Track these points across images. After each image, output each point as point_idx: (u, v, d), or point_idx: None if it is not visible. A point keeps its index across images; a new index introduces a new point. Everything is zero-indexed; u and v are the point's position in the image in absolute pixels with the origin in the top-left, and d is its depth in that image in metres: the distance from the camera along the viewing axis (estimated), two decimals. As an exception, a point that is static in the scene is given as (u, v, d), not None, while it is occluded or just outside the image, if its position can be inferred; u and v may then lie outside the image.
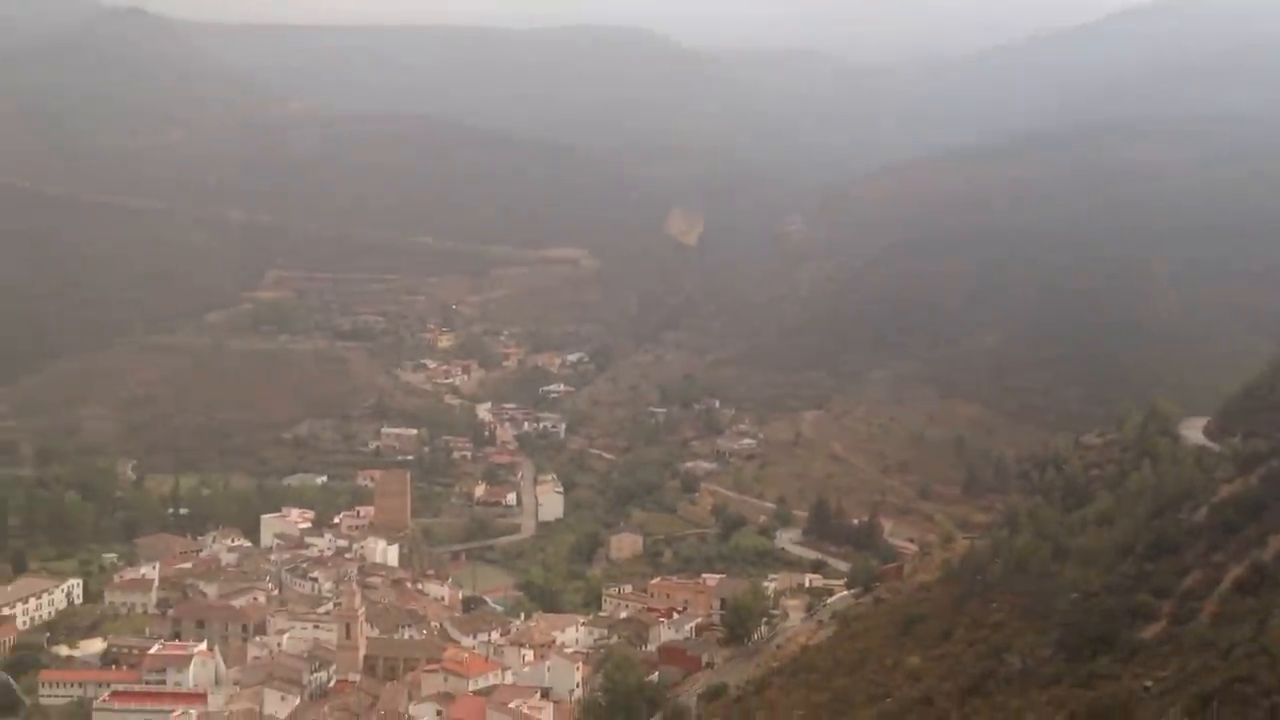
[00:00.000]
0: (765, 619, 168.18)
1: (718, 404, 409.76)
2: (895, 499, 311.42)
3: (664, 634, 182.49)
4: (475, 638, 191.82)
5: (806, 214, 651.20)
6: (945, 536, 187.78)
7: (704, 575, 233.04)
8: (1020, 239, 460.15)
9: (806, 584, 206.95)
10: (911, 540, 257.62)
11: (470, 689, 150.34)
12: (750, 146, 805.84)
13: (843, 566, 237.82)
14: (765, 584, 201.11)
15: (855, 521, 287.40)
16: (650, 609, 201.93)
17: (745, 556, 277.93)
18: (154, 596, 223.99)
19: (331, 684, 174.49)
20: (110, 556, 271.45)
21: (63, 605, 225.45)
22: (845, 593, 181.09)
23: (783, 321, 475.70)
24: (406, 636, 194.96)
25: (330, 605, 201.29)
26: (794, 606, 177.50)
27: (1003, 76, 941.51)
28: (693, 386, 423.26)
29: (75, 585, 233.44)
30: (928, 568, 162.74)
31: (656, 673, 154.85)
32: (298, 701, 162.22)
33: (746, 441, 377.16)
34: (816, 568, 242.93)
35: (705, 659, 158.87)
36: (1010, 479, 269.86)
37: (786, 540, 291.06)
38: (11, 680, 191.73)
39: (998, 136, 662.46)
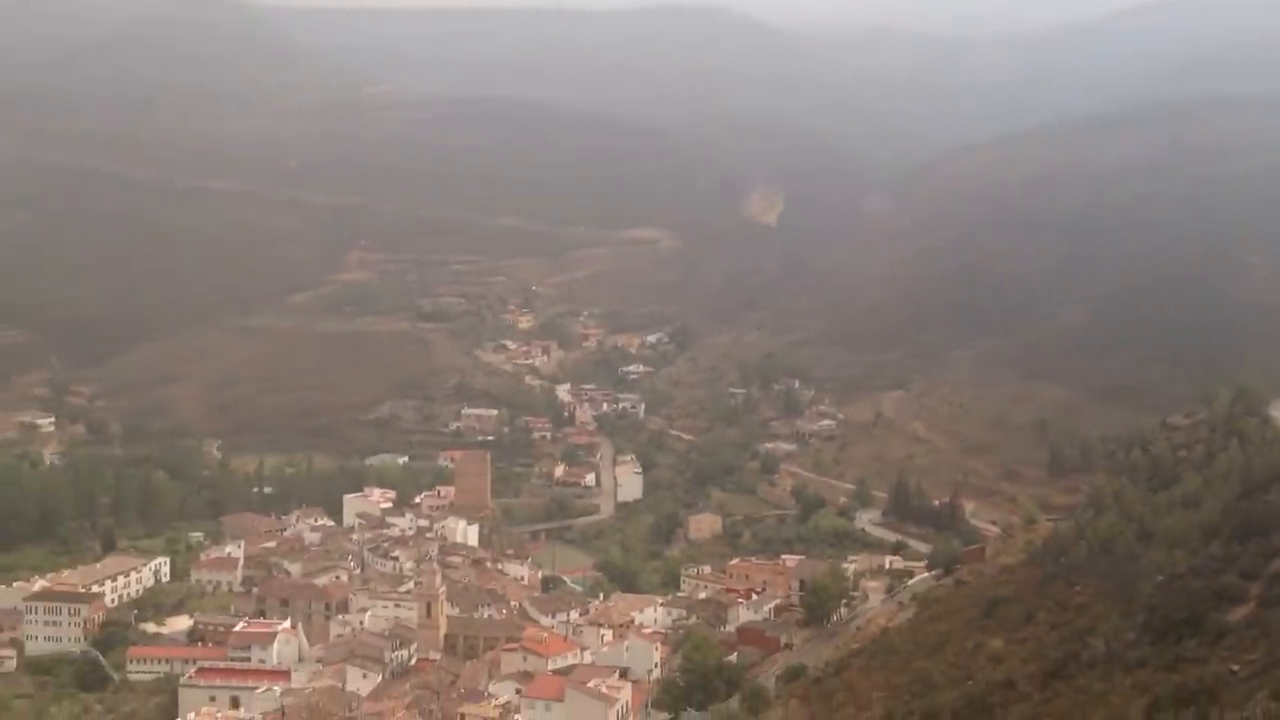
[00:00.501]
0: (845, 600, 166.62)
1: (797, 384, 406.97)
2: (977, 480, 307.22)
3: (743, 615, 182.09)
4: (554, 617, 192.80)
5: (888, 192, 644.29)
6: (1028, 518, 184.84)
7: (783, 556, 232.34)
8: (1106, 216, 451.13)
9: (886, 565, 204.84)
10: (993, 522, 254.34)
11: (549, 668, 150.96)
12: (831, 124, 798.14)
13: (923, 548, 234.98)
14: (845, 565, 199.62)
15: (936, 503, 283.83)
16: (729, 590, 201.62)
17: (824, 538, 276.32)
18: (239, 575, 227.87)
19: (412, 662, 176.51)
20: (196, 535, 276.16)
21: (150, 583, 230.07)
22: (926, 574, 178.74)
23: (864, 301, 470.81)
24: (486, 616, 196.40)
25: (411, 584, 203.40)
26: (874, 588, 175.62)
27: (1086, 50, 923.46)
28: (772, 367, 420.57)
29: (162, 563, 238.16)
30: (1010, 550, 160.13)
31: (735, 653, 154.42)
32: (379, 679, 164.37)
33: (826, 422, 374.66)
34: (896, 549, 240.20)
35: (784, 640, 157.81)
36: (1095, 460, 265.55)
37: (866, 521, 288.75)
38: (100, 656, 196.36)
39: (1085, 112, 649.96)
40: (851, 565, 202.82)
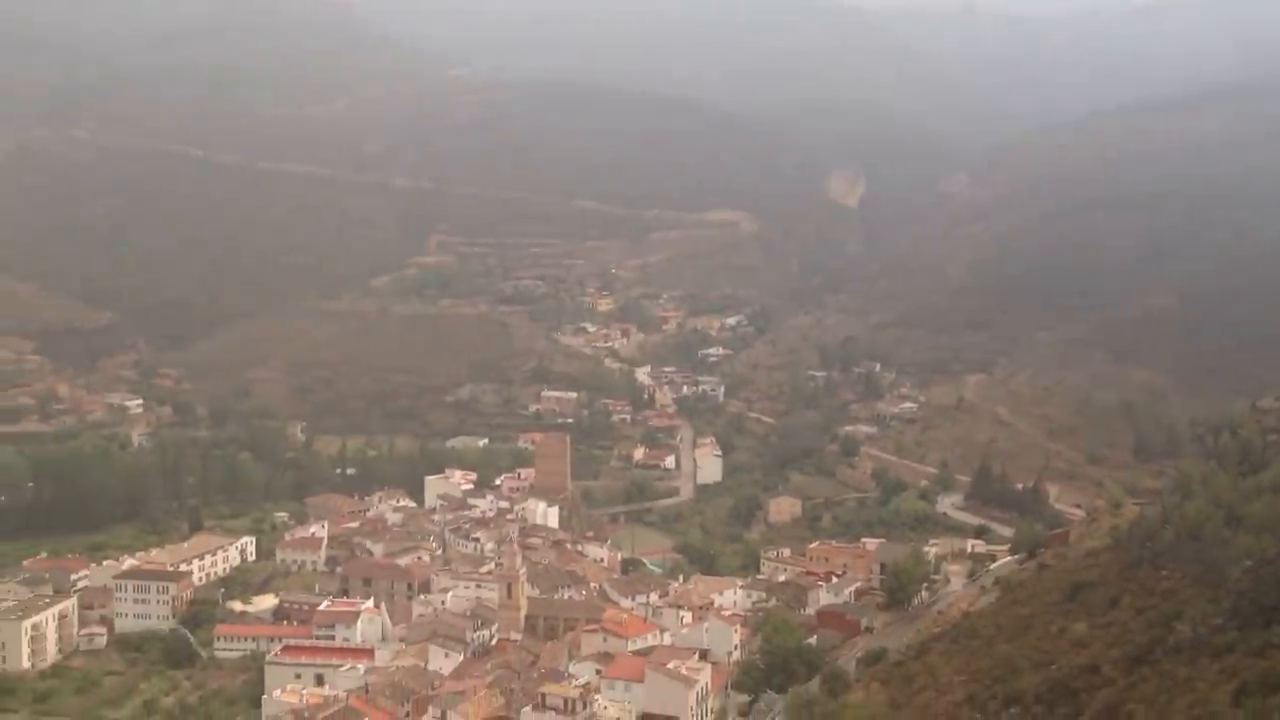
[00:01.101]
0: (926, 584, 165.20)
1: (878, 367, 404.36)
2: (1061, 464, 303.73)
3: (823, 598, 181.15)
4: (634, 599, 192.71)
5: (971, 173, 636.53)
6: (1113, 502, 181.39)
7: (863, 539, 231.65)
8: (1194, 196, 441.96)
9: (969, 549, 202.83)
10: (1078, 506, 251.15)
11: (629, 649, 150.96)
12: (913, 104, 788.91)
13: (1006, 532, 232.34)
14: (926, 549, 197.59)
15: (1019, 487, 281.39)
16: (809, 572, 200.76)
17: (905, 521, 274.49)
18: (323, 555, 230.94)
19: (493, 642, 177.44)
20: (281, 515, 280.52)
21: (237, 562, 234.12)
22: (1009, 558, 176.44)
23: (946, 283, 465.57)
24: (566, 597, 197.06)
25: (492, 565, 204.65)
26: (955, 572, 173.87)
27: (1178, 26, 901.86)
28: (853, 349, 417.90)
29: (248, 543, 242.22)
30: (1095, 534, 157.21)
31: (815, 636, 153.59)
32: (461, 659, 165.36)
33: (907, 405, 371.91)
34: (979, 533, 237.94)
35: (864, 623, 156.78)
36: (1182, 444, 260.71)
37: (948, 505, 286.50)
38: (189, 634, 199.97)
39: (1172, 89, 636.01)
40: (933, 549, 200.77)
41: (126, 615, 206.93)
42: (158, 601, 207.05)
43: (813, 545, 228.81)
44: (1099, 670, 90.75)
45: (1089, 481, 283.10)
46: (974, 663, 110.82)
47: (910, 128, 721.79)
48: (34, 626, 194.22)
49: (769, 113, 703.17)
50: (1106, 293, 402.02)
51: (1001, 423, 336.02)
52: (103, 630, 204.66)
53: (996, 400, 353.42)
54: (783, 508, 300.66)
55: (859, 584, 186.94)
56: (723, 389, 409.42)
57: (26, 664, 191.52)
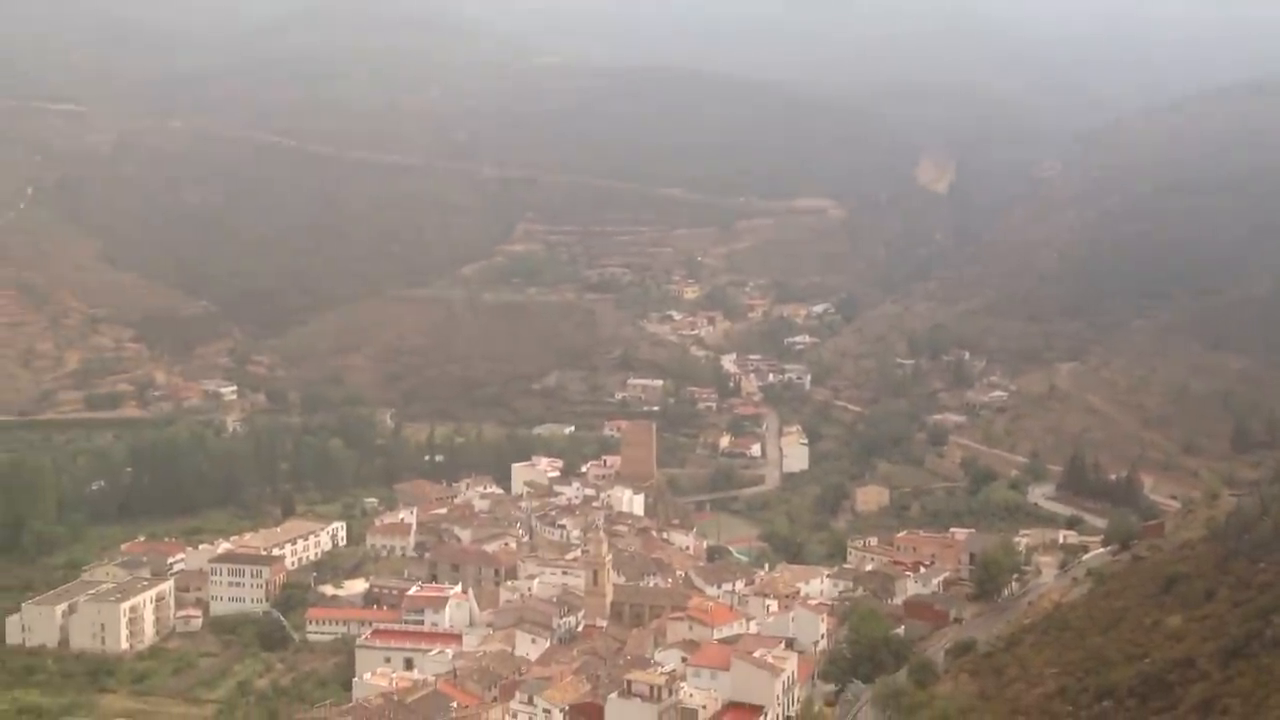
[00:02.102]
0: (1016, 575, 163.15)
1: (968, 355, 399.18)
2: (1156, 454, 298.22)
3: (910, 588, 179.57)
4: (719, 587, 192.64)
5: (1065, 156, 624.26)
6: (1210, 493, 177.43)
7: (952, 529, 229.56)
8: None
9: (1060, 540, 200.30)
10: (1173, 497, 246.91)
11: (715, 637, 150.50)
12: (1008, 85, 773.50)
13: (1099, 523, 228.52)
14: (1017, 539, 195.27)
15: (1113, 477, 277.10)
16: (896, 562, 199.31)
17: (995, 511, 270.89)
18: (412, 540, 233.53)
19: (579, 629, 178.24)
20: (371, 501, 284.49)
21: (328, 547, 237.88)
22: (1101, 550, 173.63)
23: (1038, 269, 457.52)
24: (652, 584, 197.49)
25: (578, 552, 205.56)
26: (1046, 563, 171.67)
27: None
28: (942, 337, 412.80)
29: (339, 528, 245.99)
30: (1190, 525, 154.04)
31: (902, 626, 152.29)
32: (547, 645, 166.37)
33: (997, 393, 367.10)
34: (1071, 524, 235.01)
35: (953, 614, 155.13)
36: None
37: (1039, 495, 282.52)
38: (281, 616, 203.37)
39: (1273, 70, 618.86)
40: (1024, 539, 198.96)
41: (221, 598, 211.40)
42: (251, 585, 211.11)
43: (900, 535, 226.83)
44: (1194, 664, 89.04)
45: (1184, 472, 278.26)
46: (1065, 655, 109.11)
47: (1003, 111, 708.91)
48: (132, 609, 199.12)
49: (858, 97, 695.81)
50: (1204, 279, 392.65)
51: (1094, 412, 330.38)
52: (198, 613, 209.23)
53: (1089, 389, 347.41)
54: (870, 497, 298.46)
55: (947, 574, 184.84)
56: (809, 377, 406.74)
57: (125, 645, 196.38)
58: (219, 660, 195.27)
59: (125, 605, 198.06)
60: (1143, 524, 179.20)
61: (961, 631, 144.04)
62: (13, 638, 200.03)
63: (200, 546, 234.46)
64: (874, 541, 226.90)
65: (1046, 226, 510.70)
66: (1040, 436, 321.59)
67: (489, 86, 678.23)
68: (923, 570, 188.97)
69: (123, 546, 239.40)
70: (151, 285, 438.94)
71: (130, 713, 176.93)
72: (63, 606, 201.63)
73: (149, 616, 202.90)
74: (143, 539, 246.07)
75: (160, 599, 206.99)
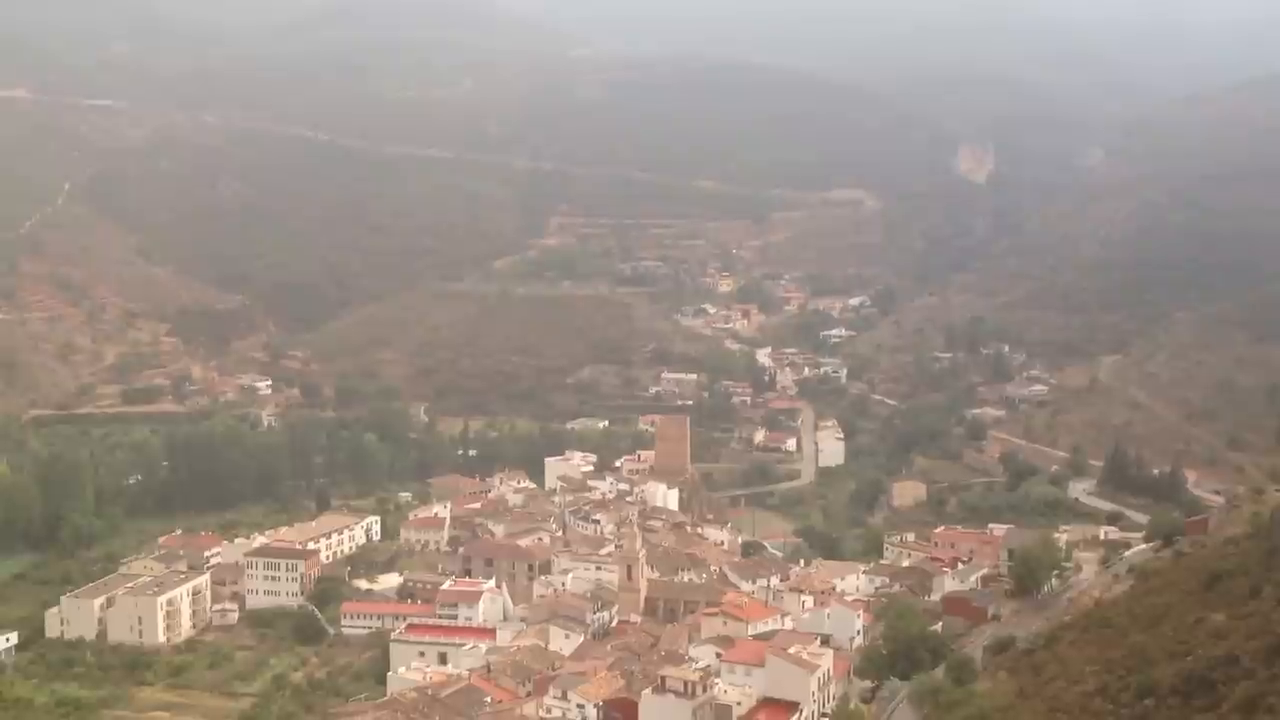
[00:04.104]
0: (1056, 572, 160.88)
1: (1007, 349, 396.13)
2: (1200, 448, 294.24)
3: (948, 584, 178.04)
4: (754, 582, 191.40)
5: (1109, 147, 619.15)
6: (1256, 488, 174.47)
7: (990, 525, 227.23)
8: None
9: (1102, 536, 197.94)
10: (1218, 492, 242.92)
11: (750, 633, 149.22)
12: (1046, 74, 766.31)
13: (1141, 519, 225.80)
14: (1057, 535, 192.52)
15: (1156, 472, 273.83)
16: (934, 558, 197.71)
17: (1035, 507, 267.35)
18: (446, 535, 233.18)
19: (613, 624, 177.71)
20: (405, 495, 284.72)
21: (362, 541, 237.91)
22: (1144, 546, 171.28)
23: (1079, 261, 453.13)
24: (686, 580, 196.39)
25: (612, 547, 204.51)
26: (1087, 559, 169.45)
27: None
28: (980, 330, 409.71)
29: (373, 522, 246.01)
30: (1235, 521, 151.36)
31: (940, 623, 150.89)
32: (581, 640, 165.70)
33: (1038, 387, 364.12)
34: (1113, 520, 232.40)
35: (991, 611, 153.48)
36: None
37: (1080, 491, 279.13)
38: (316, 610, 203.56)
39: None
40: (1064, 535, 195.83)
41: (257, 592, 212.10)
42: (287, 579, 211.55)
43: (938, 530, 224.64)
44: (1238, 662, 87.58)
45: (1229, 467, 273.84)
46: (1106, 653, 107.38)
47: (1043, 100, 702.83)
48: (169, 602, 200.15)
49: (895, 86, 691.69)
50: (1250, 269, 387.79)
51: (1137, 406, 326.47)
52: (234, 606, 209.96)
53: (1132, 382, 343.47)
54: (907, 492, 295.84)
55: (986, 570, 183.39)
56: (845, 371, 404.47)
57: (162, 638, 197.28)
58: (255, 654, 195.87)
59: (162, 599, 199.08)
60: (1186, 520, 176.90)
61: (1000, 629, 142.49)
62: (51, 630, 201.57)
63: (236, 540, 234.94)
64: (911, 537, 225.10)
65: (1088, 217, 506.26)
66: (1081, 431, 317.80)
67: (522, 79, 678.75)
68: (961, 566, 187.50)
69: (160, 540, 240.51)
70: (187, 280, 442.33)
71: (167, 705, 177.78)
72: (101, 600, 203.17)
73: (186, 610, 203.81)
74: (179, 533, 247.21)
75: (197, 592, 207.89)
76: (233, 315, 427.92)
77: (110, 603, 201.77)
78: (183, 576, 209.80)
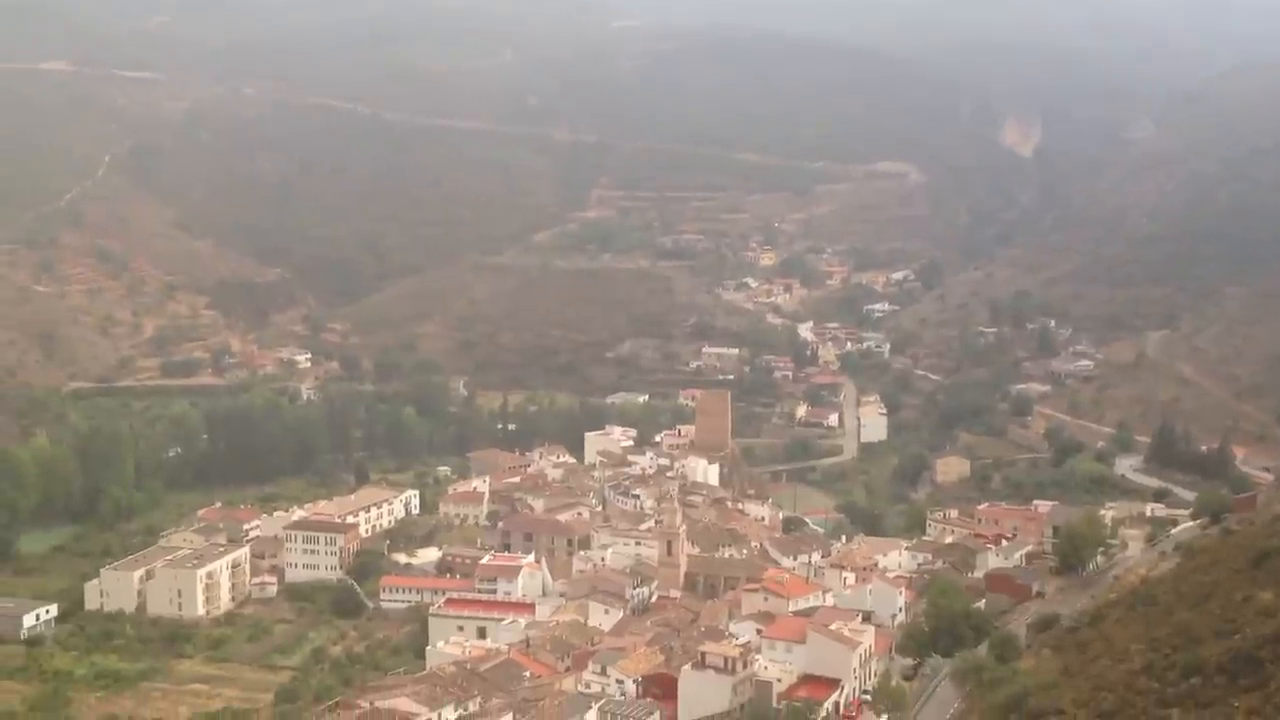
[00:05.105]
0: (1101, 549, 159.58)
1: (1053, 323, 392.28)
2: (1249, 425, 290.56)
3: (991, 561, 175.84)
4: (795, 559, 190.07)
5: (1157, 118, 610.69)
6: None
7: (1035, 502, 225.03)
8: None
9: (1148, 513, 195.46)
10: (1266, 469, 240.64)
11: (790, 609, 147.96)
12: (1094, 45, 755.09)
13: (1188, 496, 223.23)
14: (1102, 512, 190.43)
15: (1203, 448, 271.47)
16: (977, 535, 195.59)
17: (1080, 483, 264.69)
18: (485, 509, 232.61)
19: (653, 600, 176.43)
20: (444, 469, 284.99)
21: (401, 515, 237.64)
22: (1191, 523, 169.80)
23: (1127, 234, 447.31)
24: (726, 555, 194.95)
25: (652, 522, 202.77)
26: (1133, 536, 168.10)
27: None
28: (1026, 305, 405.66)
29: (412, 496, 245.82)
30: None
31: (983, 600, 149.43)
32: (620, 615, 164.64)
33: (1084, 363, 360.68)
34: (1159, 497, 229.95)
35: (1035, 588, 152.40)
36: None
37: (1126, 467, 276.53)
38: (355, 584, 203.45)
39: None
40: (1110, 512, 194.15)
41: (296, 565, 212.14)
42: (326, 552, 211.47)
43: (982, 507, 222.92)
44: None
45: (1278, 443, 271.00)
46: (1152, 631, 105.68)
47: (1091, 71, 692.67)
48: (208, 575, 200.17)
49: (940, 58, 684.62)
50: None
51: (1185, 381, 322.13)
52: (273, 579, 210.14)
53: (1180, 357, 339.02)
54: (950, 468, 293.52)
55: (1030, 548, 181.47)
56: (888, 346, 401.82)
57: (201, 611, 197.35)
58: (294, 627, 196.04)
59: (202, 571, 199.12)
60: (1234, 497, 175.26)
61: (1044, 606, 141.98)
62: (91, 603, 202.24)
63: (275, 513, 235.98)
64: (954, 514, 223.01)
65: (1136, 189, 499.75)
66: (1128, 406, 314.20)
67: (562, 50, 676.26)
68: (1004, 543, 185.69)
69: (199, 513, 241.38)
70: (226, 253, 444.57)
71: (206, 678, 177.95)
72: (140, 572, 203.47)
73: (225, 583, 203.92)
74: (219, 506, 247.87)
75: (236, 565, 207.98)
76: (272, 288, 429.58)
77: (150, 575, 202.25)
78: (222, 549, 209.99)
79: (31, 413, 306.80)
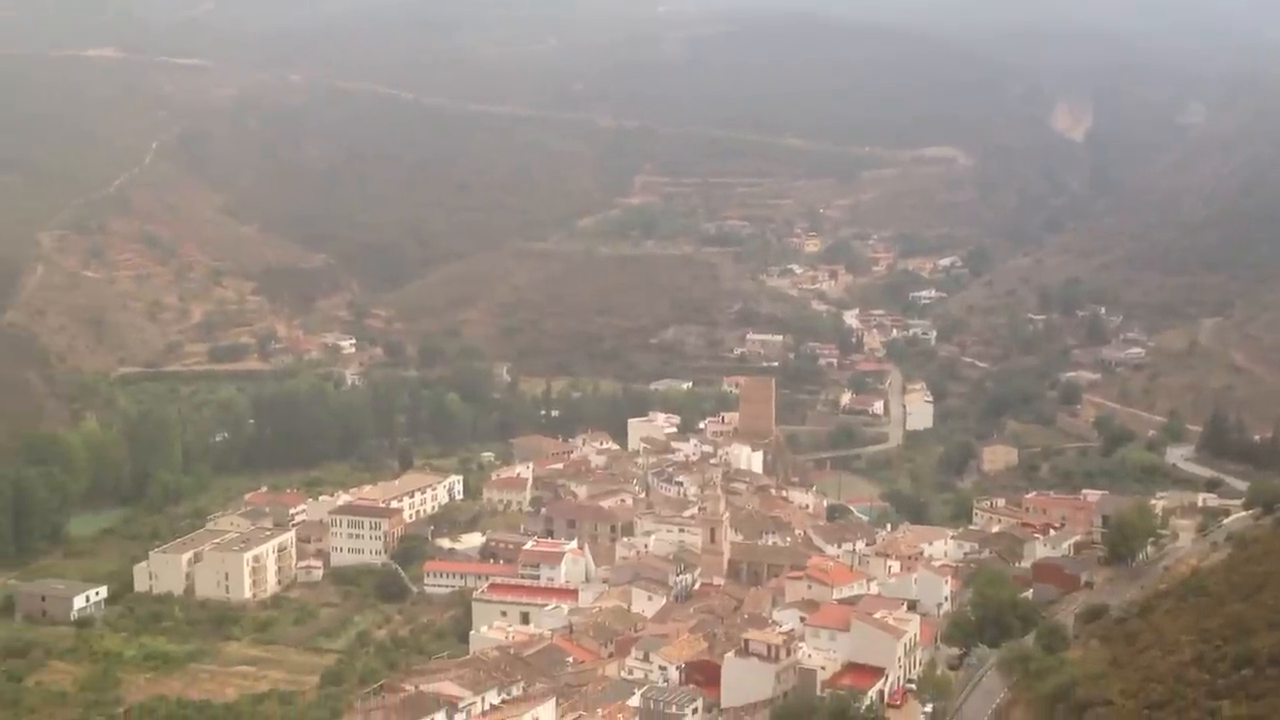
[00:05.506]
0: (1152, 539, 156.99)
1: (1103, 310, 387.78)
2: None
3: (1039, 550, 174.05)
4: (839, 546, 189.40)
5: (1211, 100, 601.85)
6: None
7: (1084, 491, 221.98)
8: None
9: (1199, 503, 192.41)
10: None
11: (834, 597, 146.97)
12: (1147, 27, 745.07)
13: (1241, 486, 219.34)
14: (1153, 502, 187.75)
15: (1257, 438, 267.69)
16: (1025, 524, 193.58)
17: (1130, 473, 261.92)
18: (528, 495, 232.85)
19: (696, 587, 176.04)
20: (488, 455, 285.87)
21: (445, 500, 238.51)
22: (1243, 513, 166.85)
23: (1180, 220, 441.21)
24: (770, 543, 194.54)
25: (695, 510, 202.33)
26: (1184, 527, 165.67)
27: None
28: (1076, 291, 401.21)
29: (456, 481, 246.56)
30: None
31: (1030, 590, 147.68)
32: (663, 602, 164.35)
33: (1135, 350, 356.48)
34: (1211, 486, 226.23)
35: (1084, 578, 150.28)
36: None
37: (1177, 457, 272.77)
38: (399, 569, 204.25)
39: None
40: (1160, 502, 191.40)
41: (341, 549, 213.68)
42: (370, 537, 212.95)
43: (1029, 496, 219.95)
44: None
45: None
46: (1203, 622, 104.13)
47: (1144, 53, 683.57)
48: (255, 558, 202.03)
49: (989, 40, 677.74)
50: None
51: (1238, 369, 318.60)
52: (319, 563, 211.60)
53: (1233, 345, 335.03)
54: (997, 456, 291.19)
55: (1078, 538, 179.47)
56: (935, 333, 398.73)
57: (248, 594, 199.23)
58: (339, 610, 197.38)
59: (249, 555, 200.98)
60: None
61: (1093, 596, 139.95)
62: (140, 585, 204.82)
63: (320, 498, 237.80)
64: (1001, 502, 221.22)
65: (1190, 175, 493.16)
66: (1180, 395, 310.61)
67: (606, 36, 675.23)
68: (1052, 533, 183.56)
69: (246, 497, 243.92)
70: (272, 238, 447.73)
71: (253, 660, 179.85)
72: (188, 555, 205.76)
73: (271, 566, 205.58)
74: (265, 490, 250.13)
75: (282, 549, 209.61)
76: (317, 274, 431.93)
77: (197, 558, 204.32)
78: (268, 533, 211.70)
79: (81, 397, 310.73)
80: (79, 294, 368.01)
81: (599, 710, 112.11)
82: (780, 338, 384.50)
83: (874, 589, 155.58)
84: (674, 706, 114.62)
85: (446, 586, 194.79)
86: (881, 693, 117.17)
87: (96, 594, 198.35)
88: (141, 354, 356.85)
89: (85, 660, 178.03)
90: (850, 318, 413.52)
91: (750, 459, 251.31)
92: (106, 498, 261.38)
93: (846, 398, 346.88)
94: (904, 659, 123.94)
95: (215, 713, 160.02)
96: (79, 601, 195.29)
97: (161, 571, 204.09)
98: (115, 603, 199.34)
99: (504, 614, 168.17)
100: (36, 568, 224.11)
